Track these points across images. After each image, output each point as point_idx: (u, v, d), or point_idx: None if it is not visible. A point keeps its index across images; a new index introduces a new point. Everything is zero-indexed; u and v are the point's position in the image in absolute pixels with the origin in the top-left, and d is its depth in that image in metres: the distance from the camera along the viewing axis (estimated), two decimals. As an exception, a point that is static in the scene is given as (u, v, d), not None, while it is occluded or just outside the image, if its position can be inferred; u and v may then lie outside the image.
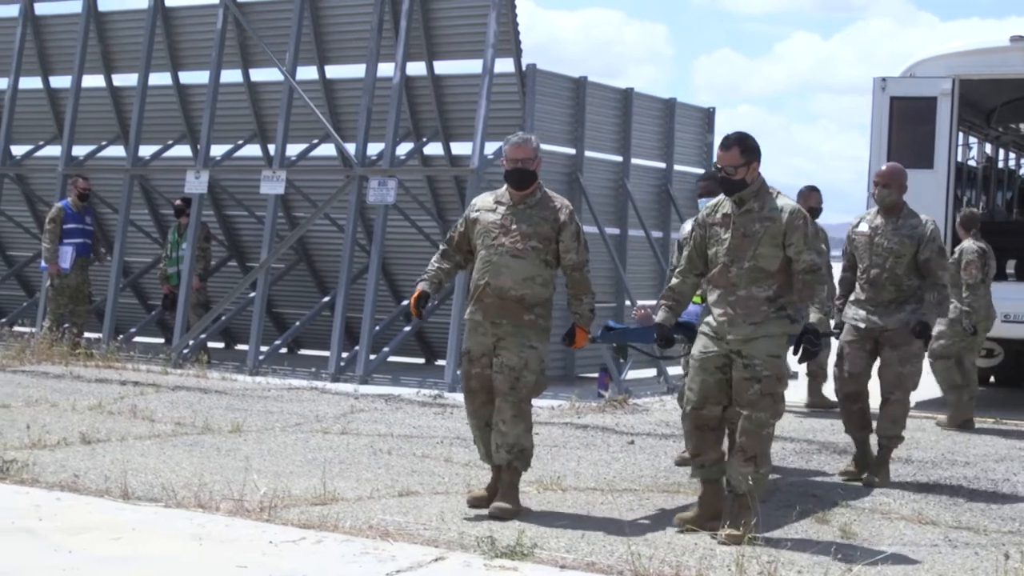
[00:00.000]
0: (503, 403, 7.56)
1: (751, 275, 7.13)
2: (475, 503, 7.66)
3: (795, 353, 7.18)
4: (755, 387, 7.05)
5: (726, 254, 7.20)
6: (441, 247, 7.99)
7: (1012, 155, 19.17)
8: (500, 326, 7.57)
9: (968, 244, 11.80)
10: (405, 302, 16.23)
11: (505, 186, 7.79)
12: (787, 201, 7.23)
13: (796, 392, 13.57)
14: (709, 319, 7.24)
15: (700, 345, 7.27)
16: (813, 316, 7.13)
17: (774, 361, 7.08)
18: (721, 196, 7.39)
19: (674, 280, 7.52)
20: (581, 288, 7.71)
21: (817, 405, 12.63)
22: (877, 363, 9.05)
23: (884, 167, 9.37)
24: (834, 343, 9.59)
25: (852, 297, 9.14)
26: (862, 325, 9.00)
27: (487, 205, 7.79)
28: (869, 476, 8.86)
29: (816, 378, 12.73)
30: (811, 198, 11.99)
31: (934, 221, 9.11)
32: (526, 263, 7.57)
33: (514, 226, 7.62)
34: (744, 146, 7.21)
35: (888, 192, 9.09)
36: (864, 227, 9.15)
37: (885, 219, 9.08)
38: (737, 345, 7.09)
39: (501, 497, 7.53)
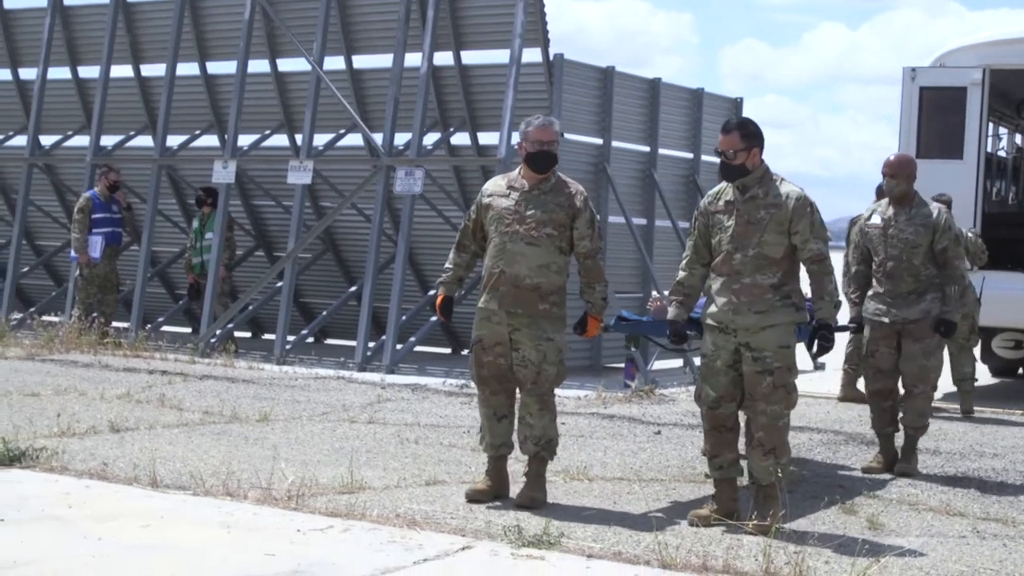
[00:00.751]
0: (527, 397, 7.54)
1: (756, 262, 7.05)
2: (476, 496, 7.51)
3: (809, 349, 7.15)
4: (767, 380, 6.99)
5: (730, 241, 7.12)
6: (456, 241, 7.94)
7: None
8: (516, 316, 7.49)
9: None
10: (432, 292, 16.25)
11: (518, 170, 7.70)
12: (792, 188, 7.12)
13: (826, 384, 13.55)
14: (713, 309, 7.17)
15: (709, 343, 7.22)
16: (826, 311, 7.04)
17: (784, 352, 7.02)
18: (724, 183, 7.29)
19: (681, 273, 7.41)
20: (594, 276, 7.62)
21: (849, 399, 12.54)
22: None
23: (892, 157, 9.22)
24: (842, 338, 9.49)
25: (871, 292, 9.09)
26: (886, 320, 8.95)
27: (499, 190, 7.68)
28: (901, 465, 8.85)
29: (848, 373, 12.63)
30: None
31: (945, 209, 9.05)
32: (541, 250, 7.47)
33: (529, 212, 7.50)
34: (745, 131, 7.14)
35: (896, 182, 9.00)
36: (877, 219, 9.07)
37: (897, 210, 9.00)
38: (745, 337, 7.03)
39: (530, 487, 7.51)
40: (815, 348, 7.12)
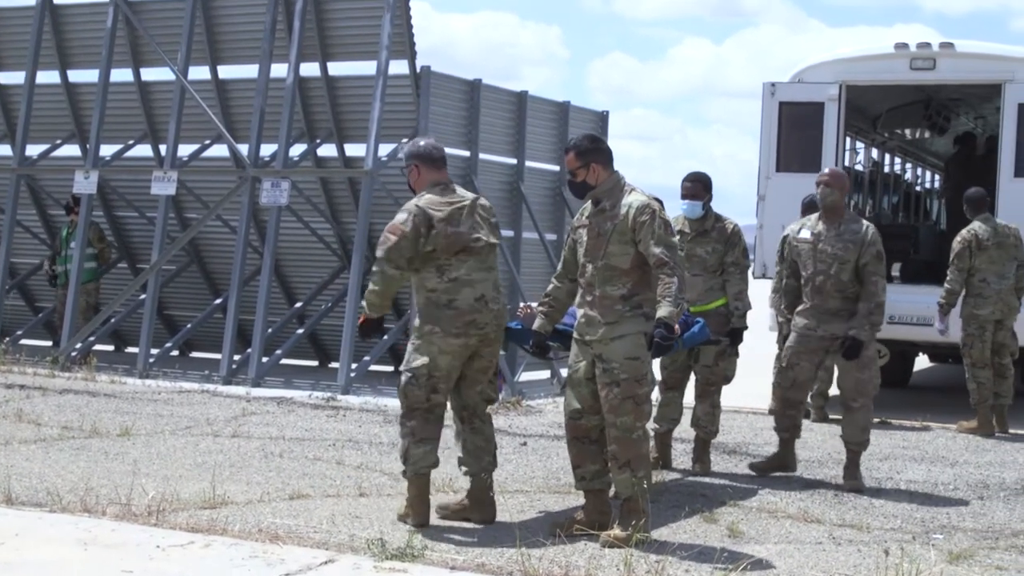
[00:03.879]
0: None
1: (604, 274, 7.10)
2: (441, 512, 7.54)
3: (648, 348, 7.03)
4: (615, 391, 7.01)
5: (585, 255, 7.21)
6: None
7: (897, 160, 19.54)
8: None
9: None
10: (298, 304, 16.17)
11: None
12: (637, 197, 7.13)
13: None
14: (577, 321, 7.29)
15: (572, 355, 7.31)
16: (664, 310, 6.90)
17: (631, 363, 7.02)
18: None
19: (550, 285, 7.51)
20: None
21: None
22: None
23: (827, 169, 9.37)
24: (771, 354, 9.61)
25: (800, 307, 9.13)
26: (816, 334, 9.00)
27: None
28: (849, 482, 8.86)
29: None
30: None
31: (873, 226, 9.06)
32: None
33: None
34: (579, 150, 7.21)
35: (831, 191, 9.01)
36: (806, 233, 9.11)
37: (827, 225, 9.04)
38: (597, 348, 7.09)
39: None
40: (652, 347, 6.97)
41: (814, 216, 9.27)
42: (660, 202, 7.35)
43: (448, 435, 7.75)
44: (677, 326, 6.97)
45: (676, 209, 9.44)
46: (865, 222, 9.05)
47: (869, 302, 8.81)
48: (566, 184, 15.94)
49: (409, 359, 7.40)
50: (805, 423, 11.93)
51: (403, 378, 7.41)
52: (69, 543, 6.53)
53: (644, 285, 7.09)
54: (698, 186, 9.41)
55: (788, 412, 9.26)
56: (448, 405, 7.50)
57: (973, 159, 16.28)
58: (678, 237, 9.23)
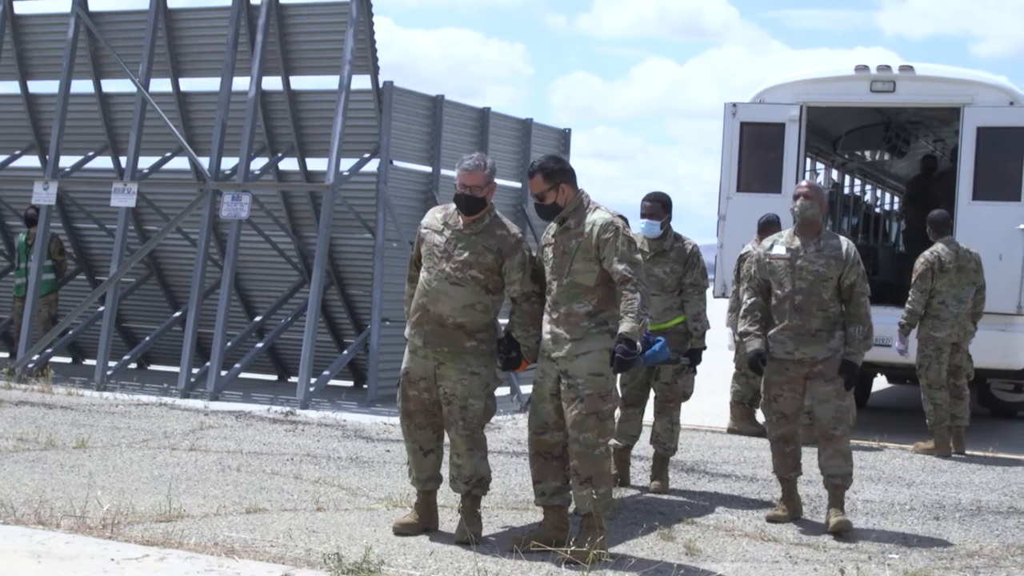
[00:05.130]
0: (456, 436, 7.38)
1: (569, 291, 7.14)
2: (403, 530, 7.43)
3: (611, 364, 7.03)
4: (579, 407, 7.03)
5: (550, 272, 7.24)
6: (407, 273, 7.70)
7: (858, 182, 19.67)
8: (441, 352, 7.35)
9: None
10: (258, 318, 16.11)
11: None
12: (601, 215, 7.16)
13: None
14: (543, 338, 7.31)
15: (537, 371, 7.33)
16: (627, 326, 6.91)
17: (596, 379, 7.05)
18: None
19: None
20: (528, 319, 7.38)
21: (739, 432, 12.57)
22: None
23: (806, 181, 9.21)
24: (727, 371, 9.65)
25: (773, 329, 8.41)
26: (795, 357, 8.32)
27: (435, 225, 7.46)
28: (839, 522, 8.09)
29: (743, 402, 12.57)
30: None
31: (852, 243, 8.55)
32: (465, 291, 7.28)
33: (457, 252, 7.30)
34: (546, 171, 7.23)
35: (810, 203, 8.37)
36: (781, 249, 8.45)
37: (804, 240, 8.42)
38: (563, 364, 7.11)
39: (465, 522, 7.38)
40: (614, 363, 6.97)
41: (787, 232, 8.65)
42: (625, 219, 7.38)
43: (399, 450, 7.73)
44: (639, 342, 6.99)
45: (635, 228, 9.46)
46: (843, 238, 8.47)
47: (863, 324, 8.27)
48: (528, 202, 16.11)
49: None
50: (745, 442, 11.98)
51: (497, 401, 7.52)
52: (22, 555, 6.47)
53: (609, 302, 7.11)
54: (657, 206, 9.42)
55: (786, 450, 8.51)
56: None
57: (933, 180, 16.43)
58: None
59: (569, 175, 7.26)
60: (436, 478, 7.60)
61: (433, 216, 7.57)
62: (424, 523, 7.55)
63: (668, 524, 8.09)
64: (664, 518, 8.30)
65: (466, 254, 7.31)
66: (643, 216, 9.40)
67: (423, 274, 7.43)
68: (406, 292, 7.70)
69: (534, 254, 7.45)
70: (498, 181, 15.70)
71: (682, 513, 8.51)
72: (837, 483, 8.29)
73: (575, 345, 7.07)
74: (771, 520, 8.43)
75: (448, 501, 7.93)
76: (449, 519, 7.68)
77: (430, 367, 7.39)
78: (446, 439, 7.60)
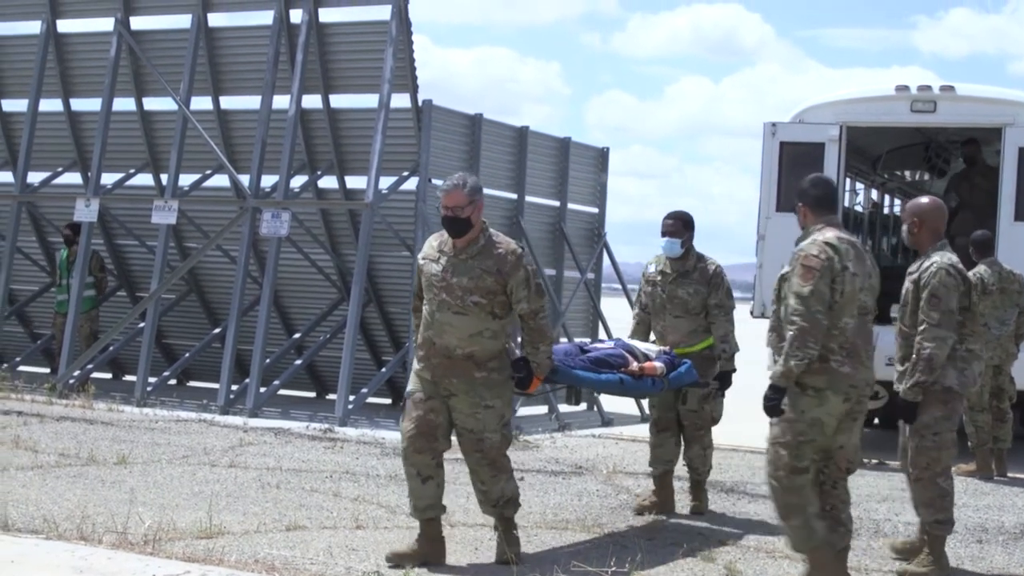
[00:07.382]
0: (476, 465, 7.27)
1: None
2: (397, 559, 7.04)
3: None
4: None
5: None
6: (412, 306, 7.60)
7: (897, 201, 19.57)
8: (451, 383, 7.17)
9: None
10: (297, 335, 16.16)
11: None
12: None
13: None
14: None
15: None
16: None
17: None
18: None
19: None
20: (537, 336, 7.23)
21: None
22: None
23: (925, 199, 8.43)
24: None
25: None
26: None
27: (431, 254, 7.26)
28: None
29: None
30: None
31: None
32: (470, 319, 7.08)
33: (455, 280, 7.09)
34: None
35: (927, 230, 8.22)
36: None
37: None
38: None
39: (504, 543, 7.24)
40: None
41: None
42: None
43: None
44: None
45: (657, 246, 9.42)
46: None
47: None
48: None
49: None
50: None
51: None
52: (65, 571, 6.50)
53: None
54: (678, 224, 9.34)
55: None
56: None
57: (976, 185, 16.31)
58: (660, 279, 9.25)
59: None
60: (436, 507, 7.26)
61: (429, 245, 7.37)
62: (423, 555, 7.13)
63: (708, 546, 8.05)
64: (704, 540, 8.27)
65: (465, 280, 7.10)
66: (664, 234, 9.33)
67: (425, 307, 7.24)
68: (413, 323, 7.59)
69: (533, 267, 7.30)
70: (535, 200, 15.94)
71: (722, 535, 8.48)
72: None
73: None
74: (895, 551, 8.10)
75: (465, 520, 7.91)
76: (453, 552, 7.66)
77: (439, 392, 7.21)
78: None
